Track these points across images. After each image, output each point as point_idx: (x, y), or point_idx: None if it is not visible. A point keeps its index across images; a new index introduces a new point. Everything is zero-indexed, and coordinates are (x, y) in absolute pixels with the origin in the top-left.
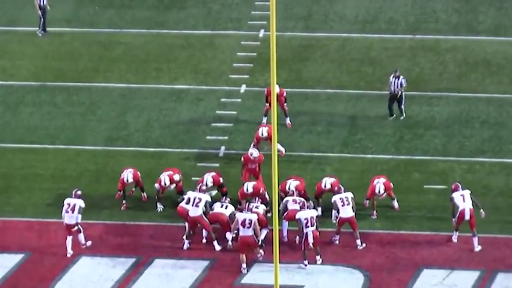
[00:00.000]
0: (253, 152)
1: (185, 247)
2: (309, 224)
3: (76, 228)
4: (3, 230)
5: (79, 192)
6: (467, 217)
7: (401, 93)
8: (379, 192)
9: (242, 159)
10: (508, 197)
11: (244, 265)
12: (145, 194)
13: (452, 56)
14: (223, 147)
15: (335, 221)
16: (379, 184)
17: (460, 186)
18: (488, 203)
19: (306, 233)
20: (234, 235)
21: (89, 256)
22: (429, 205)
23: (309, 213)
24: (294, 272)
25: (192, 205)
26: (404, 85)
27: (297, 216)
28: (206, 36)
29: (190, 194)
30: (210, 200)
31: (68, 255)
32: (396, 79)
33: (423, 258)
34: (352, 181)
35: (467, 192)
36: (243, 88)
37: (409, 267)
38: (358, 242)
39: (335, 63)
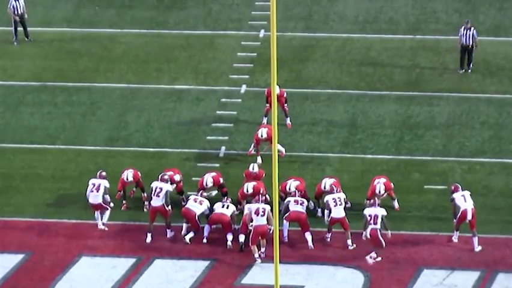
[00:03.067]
0: (255, 167)
1: (152, 239)
2: (371, 221)
3: (103, 206)
4: (3, 230)
5: (104, 173)
6: (469, 217)
7: (473, 44)
8: (379, 192)
9: (244, 175)
10: (508, 197)
11: (256, 255)
12: (145, 194)
13: (453, 57)
14: (223, 148)
15: (327, 222)
16: (379, 184)
17: (460, 187)
18: (489, 203)
19: (367, 229)
20: (251, 227)
21: (90, 256)
22: (429, 205)
23: (374, 211)
24: (295, 272)
25: (153, 195)
26: (476, 37)
27: (364, 212)
28: (206, 37)
29: (153, 184)
30: (171, 189)
31: (101, 227)
32: (468, 30)
33: (424, 258)
34: (352, 181)
35: (467, 193)
36: (243, 88)
37: (409, 268)
38: (349, 242)
39: (335, 63)
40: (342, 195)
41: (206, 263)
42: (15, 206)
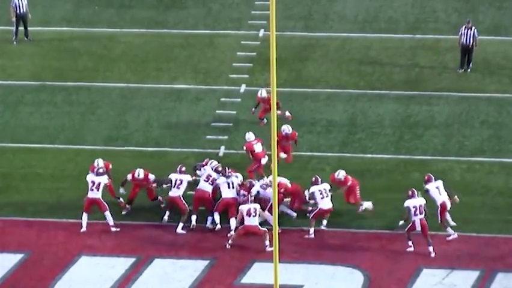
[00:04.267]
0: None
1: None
2: (417, 212)
3: (102, 203)
4: (2, 229)
5: (101, 170)
6: (448, 207)
7: (473, 44)
8: (337, 176)
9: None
10: (508, 197)
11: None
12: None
13: (452, 56)
14: (222, 147)
15: (308, 214)
16: (340, 172)
17: (433, 177)
18: (488, 203)
19: (414, 221)
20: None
21: (89, 256)
22: (428, 205)
23: (417, 202)
24: (294, 271)
25: (174, 187)
26: (477, 36)
27: (405, 204)
28: (206, 36)
29: (172, 176)
30: (191, 180)
31: (83, 229)
32: (469, 30)
33: (423, 257)
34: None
35: (440, 183)
36: (243, 88)
37: (409, 267)
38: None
39: (335, 62)
40: (328, 186)
41: (205, 263)
42: (15, 205)
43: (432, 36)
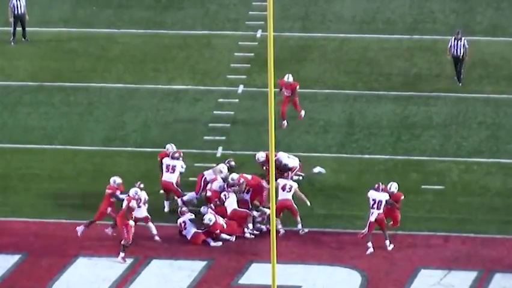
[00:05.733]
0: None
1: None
2: (375, 205)
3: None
4: (0, 230)
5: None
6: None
7: (464, 55)
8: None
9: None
10: (506, 197)
11: (280, 226)
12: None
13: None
14: (220, 148)
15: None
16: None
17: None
18: (486, 203)
19: (372, 213)
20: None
21: (87, 256)
22: (426, 205)
23: (378, 196)
24: (292, 272)
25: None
26: (467, 47)
27: (368, 194)
28: (203, 37)
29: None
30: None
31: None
32: (459, 41)
33: (421, 258)
34: (349, 181)
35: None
36: (241, 88)
37: (406, 268)
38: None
39: (333, 63)
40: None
41: (203, 263)
42: (12, 206)
43: (430, 37)
